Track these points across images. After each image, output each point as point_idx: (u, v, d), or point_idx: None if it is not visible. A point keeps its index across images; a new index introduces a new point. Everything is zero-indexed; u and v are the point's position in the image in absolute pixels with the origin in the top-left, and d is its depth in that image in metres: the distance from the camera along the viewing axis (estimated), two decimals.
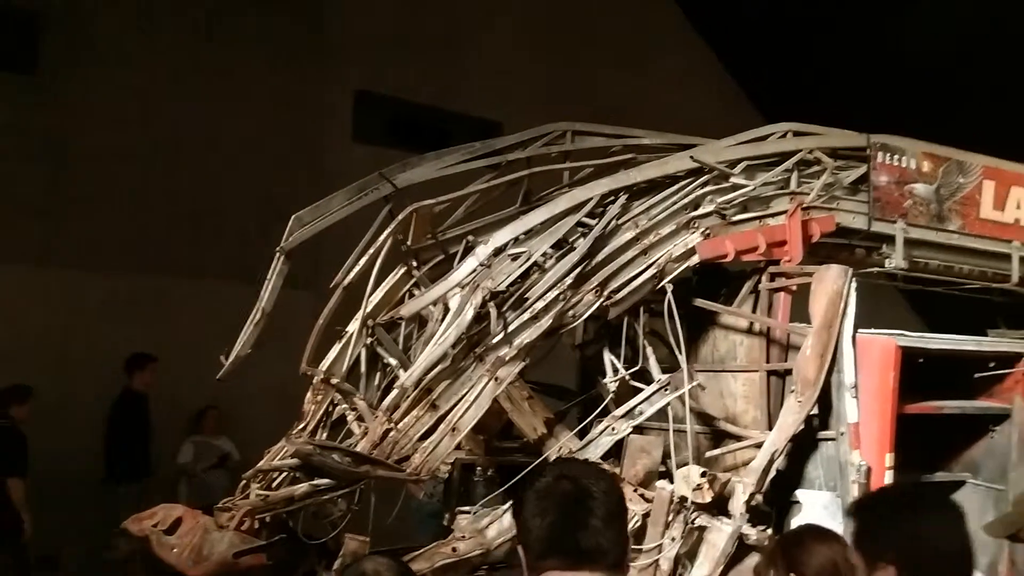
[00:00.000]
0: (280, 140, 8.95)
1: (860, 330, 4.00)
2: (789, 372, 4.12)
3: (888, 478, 3.85)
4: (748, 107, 11.66)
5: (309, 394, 4.19)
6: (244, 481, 3.98)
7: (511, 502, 3.82)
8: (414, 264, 4.40)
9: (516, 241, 4.04)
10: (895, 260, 4.74)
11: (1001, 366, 4.38)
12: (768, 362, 4.32)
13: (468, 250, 4.18)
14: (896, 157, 4.72)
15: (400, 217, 4.22)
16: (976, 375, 4.42)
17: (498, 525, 3.78)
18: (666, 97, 10.24)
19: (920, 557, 1.83)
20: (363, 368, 4.18)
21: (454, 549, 3.70)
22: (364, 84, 9.84)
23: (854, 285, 4.01)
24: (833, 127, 4.75)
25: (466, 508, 4.07)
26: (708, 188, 4.31)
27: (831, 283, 4.01)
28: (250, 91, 8.89)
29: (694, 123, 5.37)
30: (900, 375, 3.91)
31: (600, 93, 9.70)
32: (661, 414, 4.10)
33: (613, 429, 4.03)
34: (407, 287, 4.38)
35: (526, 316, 3.89)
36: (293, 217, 4.24)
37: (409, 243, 4.36)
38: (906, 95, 9.20)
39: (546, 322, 3.90)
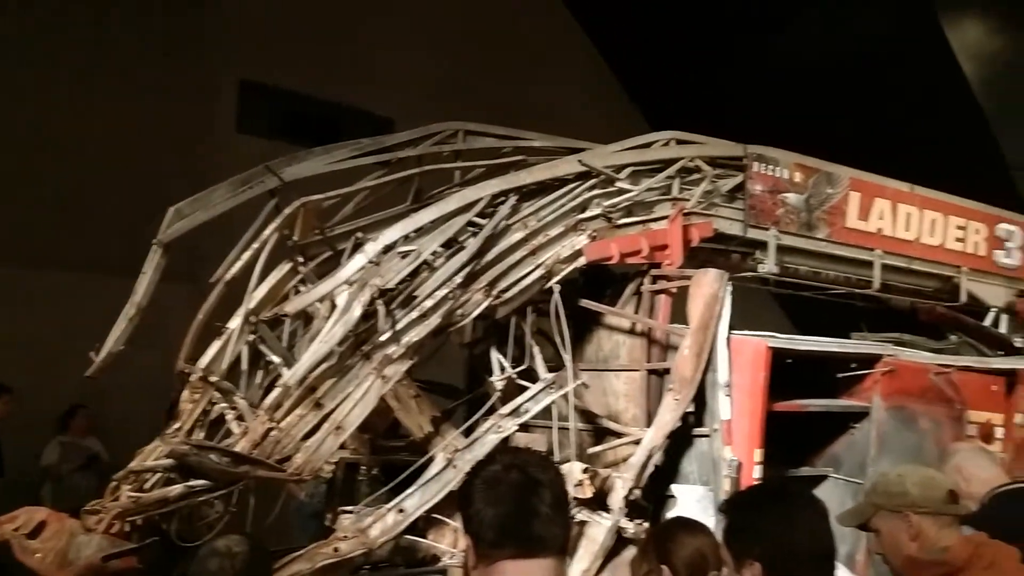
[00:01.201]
0: (159, 130, 8.54)
1: (734, 331, 4.18)
2: (668, 371, 4.26)
3: (757, 473, 4.03)
4: (635, 113, 11.99)
5: (186, 392, 4.04)
6: (115, 483, 3.80)
7: (396, 500, 3.83)
8: (300, 260, 4.32)
9: (406, 239, 4.03)
10: (767, 265, 4.95)
11: (861, 367, 4.63)
12: (649, 361, 4.45)
13: (357, 247, 4.13)
14: (770, 167, 4.95)
15: (287, 212, 4.14)
16: (839, 375, 4.68)
17: (381, 524, 3.75)
18: (556, 100, 10.37)
19: (784, 554, 1.91)
20: (244, 366, 4.06)
21: (336, 549, 3.65)
22: (250, 75, 9.52)
23: (729, 288, 4.18)
24: (714, 136, 4.94)
25: (349, 508, 4.03)
26: (595, 192, 4.42)
27: (708, 286, 4.17)
28: (127, 78, 8.46)
29: (583, 127, 5.48)
30: (770, 375, 4.10)
31: (492, 94, 9.74)
32: (546, 412, 4.17)
33: (499, 427, 4.06)
34: (292, 283, 4.30)
35: (414, 314, 3.88)
36: (172, 209, 4.08)
37: (295, 238, 4.28)
38: (782, 108, 9.65)
39: (434, 320, 3.90)
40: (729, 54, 10.73)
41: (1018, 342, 7.00)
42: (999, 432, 4.97)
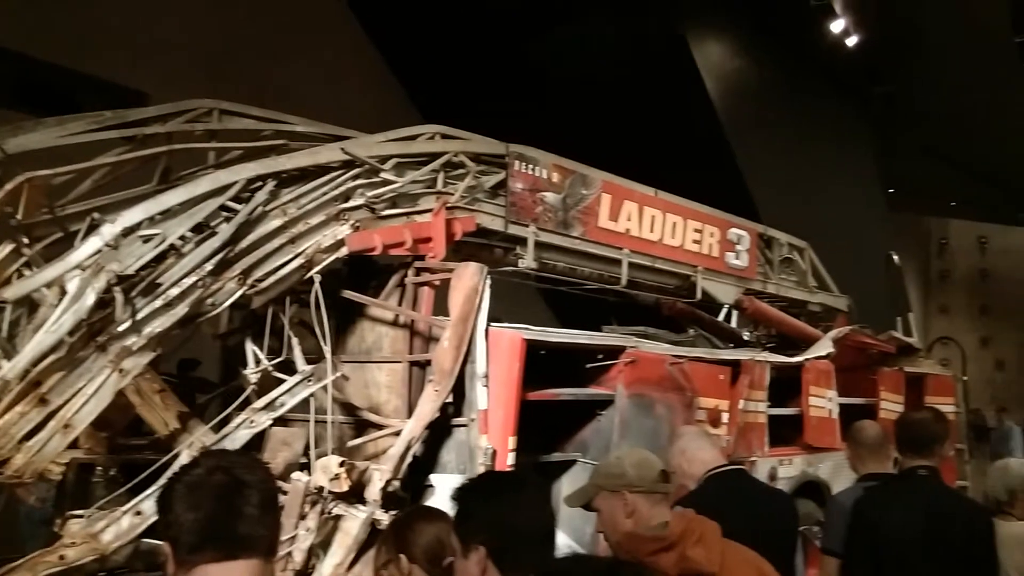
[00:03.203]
0: None
1: (492, 324, 4.30)
2: (430, 363, 4.30)
3: (511, 460, 4.18)
4: (408, 105, 12.00)
5: None
6: None
7: (133, 502, 3.56)
8: (25, 241, 3.88)
9: (150, 221, 3.75)
10: (527, 260, 5.15)
11: (608, 358, 4.94)
12: (411, 353, 4.47)
13: (92, 229, 3.78)
14: (530, 166, 5.14)
15: (9, 187, 3.70)
16: (587, 365, 4.96)
17: (116, 528, 3.48)
18: (325, 87, 10.15)
19: (507, 537, 1.99)
20: None
21: (61, 557, 3.34)
22: None
23: (488, 282, 4.30)
24: (482, 134, 5.04)
25: (79, 512, 3.69)
26: (359, 181, 4.36)
27: (468, 279, 4.26)
28: None
29: (353, 116, 5.40)
30: (524, 365, 4.26)
31: (258, 75, 9.35)
32: (307, 405, 4.06)
33: (252, 422, 3.91)
34: (15, 266, 3.85)
35: (158, 303, 3.62)
36: None
37: (19, 217, 3.84)
38: (544, 111, 10.08)
39: (181, 310, 3.67)
40: (497, 55, 11.03)
41: (746, 335, 7.83)
42: (725, 417, 5.49)
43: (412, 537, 2.45)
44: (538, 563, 1.87)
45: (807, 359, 6.44)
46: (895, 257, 10.81)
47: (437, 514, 2.54)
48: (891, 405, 7.06)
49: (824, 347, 6.64)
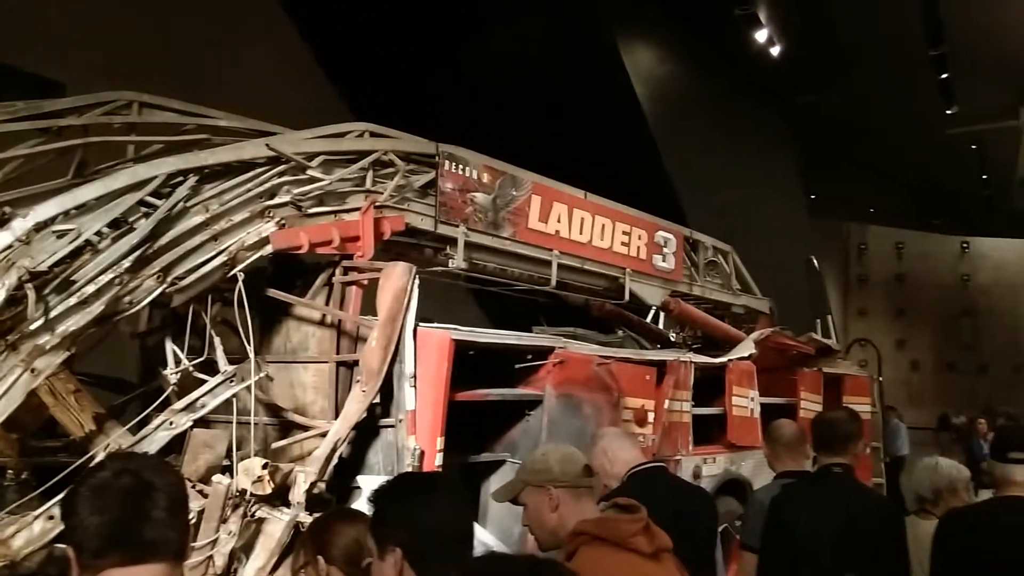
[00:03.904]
0: None
1: (421, 324, 4.28)
2: (357, 363, 4.26)
3: (439, 461, 4.17)
4: (340, 104, 11.85)
5: None
6: None
7: (45, 507, 3.43)
8: None
9: (66, 216, 3.62)
10: (457, 261, 5.14)
11: (537, 358, 4.98)
12: (339, 353, 4.42)
13: (3, 223, 3.62)
14: (460, 167, 5.14)
15: None
16: (517, 366, 4.98)
17: (27, 533, 3.35)
18: (253, 82, 9.96)
19: (423, 538, 1.99)
20: None
21: None
22: None
23: (417, 282, 4.28)
24: (414, 133, 5.01)
25: None
26: (285, 178, 4.29)
27: (397, 279, 4.23)
28: None
29: (281, 112, 5.31)
30: (453, 366, 4.26)
31: (183, 69, 9.10)
32: (230, 407, 3.98)
33: (171, 423, 3.81)
34: None
35: (73, 301, 3.50)
36: None
37: None
38: (476, 112, 10.10)
39: (97, 308, 3.55)
40: (429, 55, 11.00)
41: (672, 337, 7.99)
42: (651, 416, 5.59)
43: (330, 539, 2.42)
44: (455, 564, 1.87)
45: (730, 360, 6.60)
46: (815, 261, 11.17)
47: (356, 515, 2.52)
48: (810, 405, 7.29)
49: (747, 348, 6.81)
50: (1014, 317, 30.69)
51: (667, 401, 5.77)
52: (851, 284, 33.64)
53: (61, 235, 3.51)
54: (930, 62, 14.40)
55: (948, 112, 17.06)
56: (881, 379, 13.91)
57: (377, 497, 2.11)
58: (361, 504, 4.02)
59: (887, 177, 23.13)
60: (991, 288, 31.87)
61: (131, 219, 3.72)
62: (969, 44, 13.95)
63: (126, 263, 3.60)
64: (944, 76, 15.19)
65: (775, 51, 14.48)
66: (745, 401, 6.56)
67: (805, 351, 7.65)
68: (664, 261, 6.91)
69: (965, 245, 32.37)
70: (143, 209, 3.76)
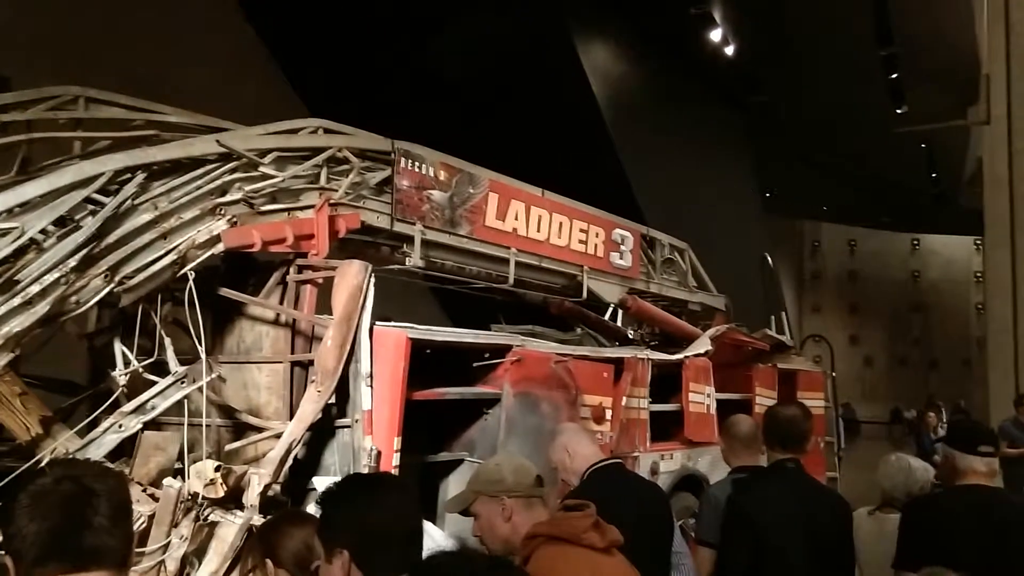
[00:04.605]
0: None
1: (378, 323, 4.24)
2: (312, 363, 4.20)
3: (396, 461, 4.13)
4: (295, 100, 11.72)
5: None
6: None
7: None
8: None
9: (9, 214, 3.53)
10: (414, 259, 5.09)
11: (495, 356, 4.95)
12: (293, 353, 4.36)
13: None
14: (417, 164, 5.09)
15: None
16: (475, 364, 4.96)
17: None
18: (207, 78, 9.80)
19: (370, 539, 1.98)
20: None
21: None
22: None
23: (372, 280, 4.23)
24: (368, 130, 4.95)
25: None
26: (237, 175, 4.21)
27: (352, 278, 4.18)
28: None
29: (236, 109, 5.23)
30: (410, 365, 4.22)
31: (134, 65, 8.92)
32: (181, 408, 3.90)
33: (121, 426, 3.73)
34: None
35: (17, 301, 3.41)
36: None
37: None
38: (433, 109, 10.06)
39: (42, 308, 3.46)
40: (386, 52, 10.93)
41: (630, 334, 8.02)
42: (608, 413, 5.60)
43: (279, 541, 2.39)
44: (403, 565, 1.86)
45: (687, 356, 6.65)
46: (769, 258, 11.32)
47: (305, 518, 2.49)
48: (765, 400, 7.37)
49: (703, 345, 6.86)
50: (962, 313, 31.51)
51: (625, 398, 5.79)
52: (805, 281, 34.23)
53: (4, 233, 3.43)
54: (881, 62, 14.71)
55: (898, 111, 17.46)
56: (835, 375, 14.15)
57: (324, 499, 2.09)
58: (313, 506, 3.98)
59: (839, 175, 23.59)
60: (940, 284, 32.68)
61: (77, 217, 3.64)
62: (919, 45, 14.28)
63: (72, 262, 3.52)
64: (894, 76, 15.54)
65: (729, 50, 14.68)
66: (701, 397, 6.62)
67: (760, 347, 7.75)
68: (621, 259, 6.94)
69: (916, 242, 33.15)
70: (89, 207, 3.68)
